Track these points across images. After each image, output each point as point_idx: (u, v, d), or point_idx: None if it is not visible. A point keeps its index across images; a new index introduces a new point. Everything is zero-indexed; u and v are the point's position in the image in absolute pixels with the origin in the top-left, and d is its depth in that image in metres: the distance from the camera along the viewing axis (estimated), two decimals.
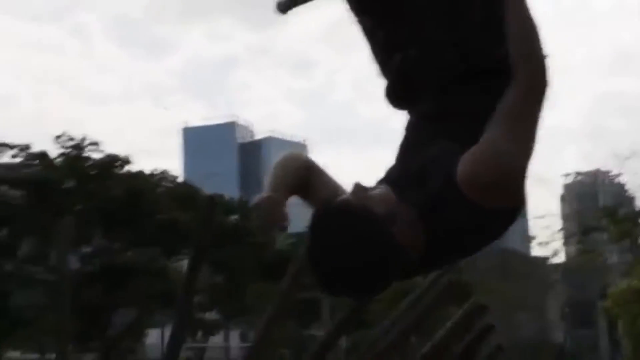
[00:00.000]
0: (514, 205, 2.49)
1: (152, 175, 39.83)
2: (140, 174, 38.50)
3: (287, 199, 2.90)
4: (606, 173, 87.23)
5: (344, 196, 2.48)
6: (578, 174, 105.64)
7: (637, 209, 47.54)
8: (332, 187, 2.95)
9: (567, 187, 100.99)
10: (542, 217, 47.63)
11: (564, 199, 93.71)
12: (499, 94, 2.61)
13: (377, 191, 2.46)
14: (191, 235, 32.93)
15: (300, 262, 7.28)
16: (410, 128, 2.98)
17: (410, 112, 3.04)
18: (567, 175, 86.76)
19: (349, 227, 2.30)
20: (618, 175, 57.24)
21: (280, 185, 2.90)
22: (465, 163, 2.38)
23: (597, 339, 67.01)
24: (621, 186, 60.04)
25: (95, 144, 36.53)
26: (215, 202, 13.97)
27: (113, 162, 37.06)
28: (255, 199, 2.90)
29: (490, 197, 2.38)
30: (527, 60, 2.48)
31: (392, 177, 2.69)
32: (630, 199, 52.51)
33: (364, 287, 2.44)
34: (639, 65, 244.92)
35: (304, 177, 2.95)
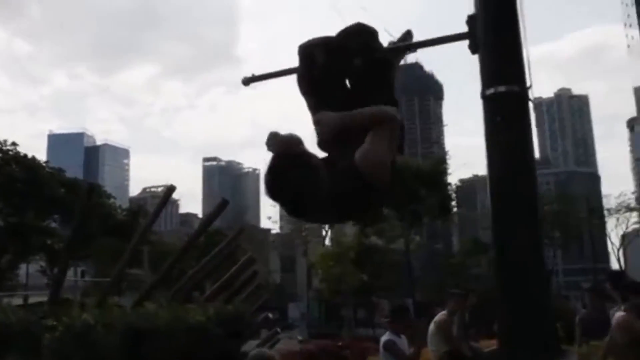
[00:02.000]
0: (380, 183, 2.45)
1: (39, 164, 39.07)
2: (34, 161, 38.17)
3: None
4: None
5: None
6: None
7: None
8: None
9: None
10: None
11: None
12: None
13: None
14: (60, 204, 34.02)
15: (140, 229, 9.15)
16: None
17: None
18: None
19: (291, 168, 2.24)
20: None
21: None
22: (358, 155, 2.40)
23: (296, 280, 69.87)
24: None
25: (14, 144, 37.17)
26: (93, 189, 15.49)
27: (20, 156, 37.25)
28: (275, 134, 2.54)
29: (369, 175, 2.39)
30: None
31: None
32: None
33: (301, 200, 2.29)
34: None
35: None
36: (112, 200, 44.65)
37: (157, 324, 6.27)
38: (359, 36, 3.08)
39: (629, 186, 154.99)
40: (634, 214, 55.51)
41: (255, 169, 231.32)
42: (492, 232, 3.16)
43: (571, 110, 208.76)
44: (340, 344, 14.35)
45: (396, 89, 3.25)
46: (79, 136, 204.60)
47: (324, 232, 48.85)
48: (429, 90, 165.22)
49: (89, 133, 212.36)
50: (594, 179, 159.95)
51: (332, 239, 38.33)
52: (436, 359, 8.04)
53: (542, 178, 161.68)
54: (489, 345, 12.26)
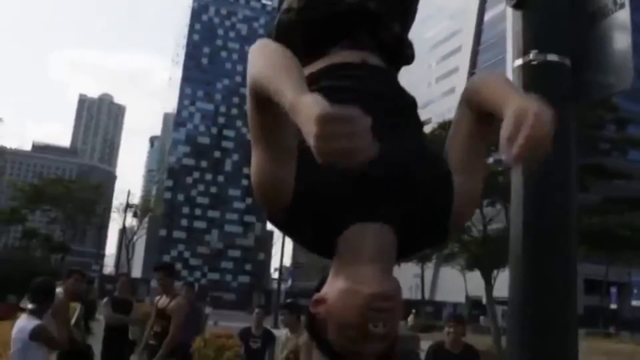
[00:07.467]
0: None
1: None
2: None
3: None
4: None
5: None
6: None
7: None
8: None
9: None
10: None
11: None
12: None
13: None
14: None
15: None
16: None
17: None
18: None
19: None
20: None
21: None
22: (462, 197, 1.30)
23: None
24: None
25: None
26: None
27: None
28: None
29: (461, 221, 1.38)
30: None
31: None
32: None
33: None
34: None
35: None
36: None
37: None
38: None
39: (138, 190, 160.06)
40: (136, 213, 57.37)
41: None
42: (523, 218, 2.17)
43: (108, 114, 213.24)
44: None
45: None
46: None
47: None
48: None
49: None
50: (111, 177, 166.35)
51: None
52: None
53: (67, 165, 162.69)
54: None
